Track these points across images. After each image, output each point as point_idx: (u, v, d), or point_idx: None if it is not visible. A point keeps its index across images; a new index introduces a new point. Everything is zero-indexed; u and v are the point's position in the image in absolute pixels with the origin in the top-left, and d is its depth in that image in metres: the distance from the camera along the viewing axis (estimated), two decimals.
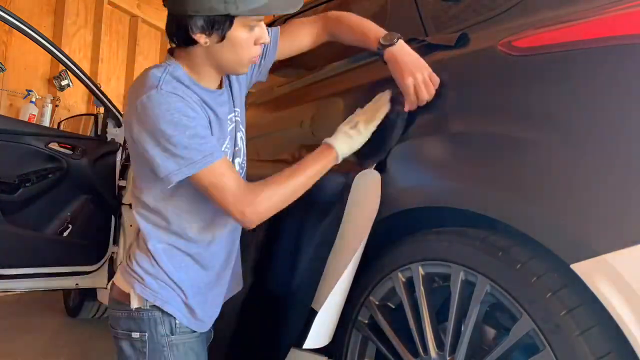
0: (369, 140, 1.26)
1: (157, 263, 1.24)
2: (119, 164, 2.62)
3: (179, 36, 1.21)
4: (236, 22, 1.19)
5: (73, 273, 2.52)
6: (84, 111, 4.81)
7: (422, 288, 1.11)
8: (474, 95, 1.12)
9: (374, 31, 1.37)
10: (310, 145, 1.49)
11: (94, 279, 2.57)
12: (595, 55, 0.93)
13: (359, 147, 1.27)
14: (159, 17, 5.81)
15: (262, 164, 1.69)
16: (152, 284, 1.23)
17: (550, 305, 0.88)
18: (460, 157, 1.09)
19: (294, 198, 1.24)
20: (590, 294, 0.83)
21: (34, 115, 4.29)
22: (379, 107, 1.29)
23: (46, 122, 4.39)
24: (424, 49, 1.29)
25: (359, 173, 1.29)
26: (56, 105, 4.59)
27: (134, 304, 1.23)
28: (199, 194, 1.22)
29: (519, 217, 0.94)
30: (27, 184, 2.39)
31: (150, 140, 1.14)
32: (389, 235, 1.23)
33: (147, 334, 1.24)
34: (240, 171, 1.34)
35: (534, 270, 0.92)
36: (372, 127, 1.27)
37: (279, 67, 2.13)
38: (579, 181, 0.88)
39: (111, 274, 2.59)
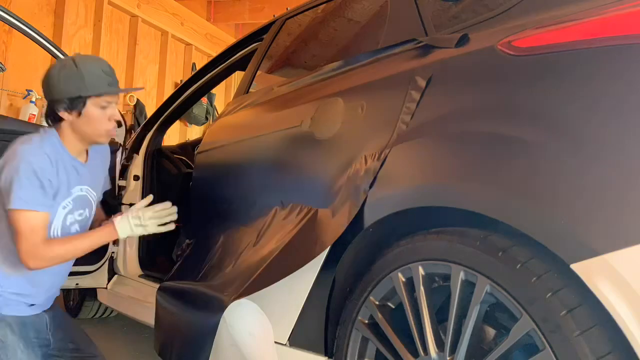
0: None
1: None
2: (118, 163, 2.62)
3: (51, 116, 1.72)
4: (89, 102, 1.69)
5: (73, 273, 2.52)
6: None
7: (422, 288, 1.11)
8: (473, 95, 1.12)
9: None
10: (310, 145, 1.49)
11: (94, 279, 2.57)
12: (595, 55, 0.93)
13: (139, 234, 1.74)
14: (159, 17, 5.81)
15: (259, 164, 1.69)
16: None
17: (550, 305, 0.88)
18: (460, 157, 1.09)
19: (74, 256, 1.71)
20: (590, 294, 0.83)
21: (34, 115, 4.28)
22: (168, 213, 1.75)
23: (46, 122, 4.39)
24: (424, 49, 1.29)
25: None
26: None
27: None
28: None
29: (519, 217, 0.94)
30: None
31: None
32: (388, 235, 1.23)
33: None
34: (80, 221, 1.78)
35: (534, 270, 0.92)
36: (153, 227, 1.74)
37: (279, 66, 2.14)
38: (579, 181, 0.88)
39: (111, 274, 2.59)
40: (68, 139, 1.72)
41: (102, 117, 1.72)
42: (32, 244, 1.59)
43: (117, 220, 1.72)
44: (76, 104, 1.69)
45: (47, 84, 1.71)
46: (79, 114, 1.69)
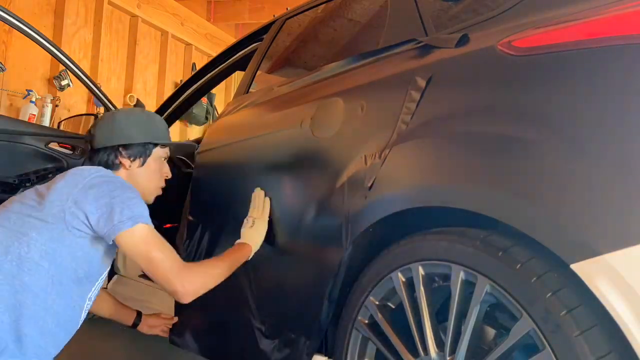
0: None
1: None
2: None
3: (106, 163, 1.56)
4: (154, 152, 1.63)
5: None
6: (84, 111, 4.80)
7: (422, 288, 1.11)
8: (474, 96, 1.12)
9: None
10: (310, 145, 1.49)
11: None
12: (595, 55, 0.93)
13: (263, 237, 1.54)
14: (159, 17, 5.81)
15: (259, 164, 1.69)
16: None
17: (550, 305, 0.88)
18: (460, 157, 1.09)
19: (219, 281, 1.45)
20: (590, 294, 0.83)
21: (34, 115, 4.28)
22: (264, 203, 1.57)
23: (46, 122, 4.39)
24: (424, 49, 1.29)
25: None
26: (56, 105, 4.59)
27: None
28: None
29: (519, 217, 0.94)
30: (27, 184, 2.39)
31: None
32: (388, 235, 1.23)
33: None
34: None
35: (534, 270, 0.92)
36: (264, 220, 1.55)
37: (279, 66, 2.13)
38: (579, 181, 0.88)
39: (111, 274, 2.59)
40: None
41: (160, 172, 1.67)
42: (176, 261, 1.38)
43: (241, 239, 1.55)
44: (142, 151, 1.61)
45: (112, 127, 1.59)
46: (142, 162, 1.61)
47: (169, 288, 1.37)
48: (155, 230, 1.40)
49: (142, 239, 1.36)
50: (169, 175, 1.70)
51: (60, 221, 1.35)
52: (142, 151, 1.61)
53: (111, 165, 1.57)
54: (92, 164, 1.58)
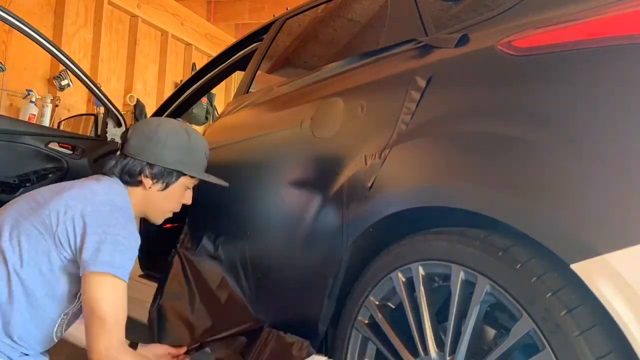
0: None
1: None
2: None
3: (130, 175, 1.48)
4: (181, 180, 1.53)
5: None
6: (84, 111, 4.80)
7: (422, 288, 1.11)
8: (474, 96, 1.12)
9: None
10: (310, 145, 1.49)
11: None
12: (595, 55, 0.93)
13: None
14: (159, 17, 5.81)
15: (259, 165, 1.69)
16: None
17: (550, 305, 0.88)
18: (460, 157, 1.09)
19: None
20: (590, 294, 0.83)
21: (34, 115, 4.28)
22: None
23: (46, 122, 4.39)
24: (424, 49, 1.29)
25: None
26: (56, 105, 4.58)
27: None
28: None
29: (519, 217, 0.94)
30: (27, 184, 2.38)
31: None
32: (388, 235, 1.23)
33: None
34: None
35: (534, 270, 0.92)
36: None
37: (279, 66, 2.13)
38: (579, 181, 0.88)
39: None
40: (134, 206, 1.50)
41: (180, 199, 1.57)
42: (120, 333, 1.30)
43: None
44: (169, 177, 1.50)
45: (149, 140, 1.49)
46: (164, 187, 1.51)
47: (92, 346, 1.27)
48: (124, 290, 1.33)
49: (107, 291, 1.29)
50: (189, 203, 1.61)
51: (50, 233, 1.32)
52: (168, 177, 1.51)
53: (130, 179, 1.49)
54: (115, 168, 1.50)
